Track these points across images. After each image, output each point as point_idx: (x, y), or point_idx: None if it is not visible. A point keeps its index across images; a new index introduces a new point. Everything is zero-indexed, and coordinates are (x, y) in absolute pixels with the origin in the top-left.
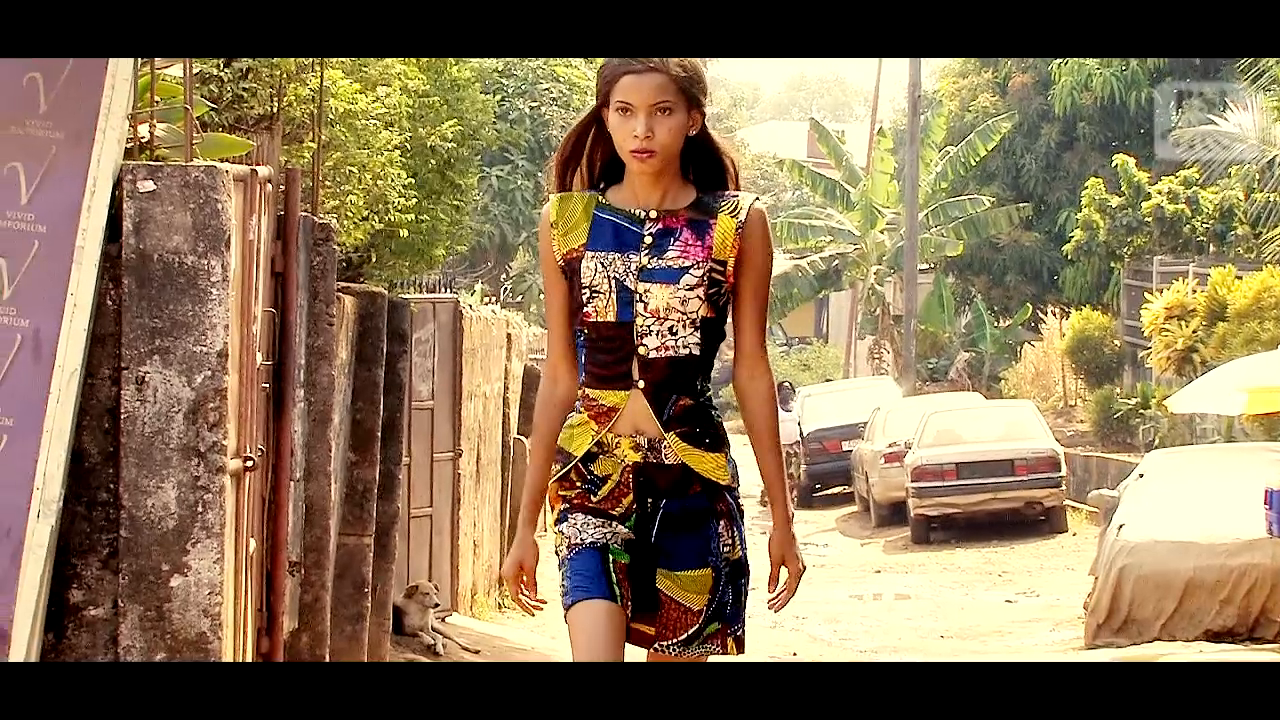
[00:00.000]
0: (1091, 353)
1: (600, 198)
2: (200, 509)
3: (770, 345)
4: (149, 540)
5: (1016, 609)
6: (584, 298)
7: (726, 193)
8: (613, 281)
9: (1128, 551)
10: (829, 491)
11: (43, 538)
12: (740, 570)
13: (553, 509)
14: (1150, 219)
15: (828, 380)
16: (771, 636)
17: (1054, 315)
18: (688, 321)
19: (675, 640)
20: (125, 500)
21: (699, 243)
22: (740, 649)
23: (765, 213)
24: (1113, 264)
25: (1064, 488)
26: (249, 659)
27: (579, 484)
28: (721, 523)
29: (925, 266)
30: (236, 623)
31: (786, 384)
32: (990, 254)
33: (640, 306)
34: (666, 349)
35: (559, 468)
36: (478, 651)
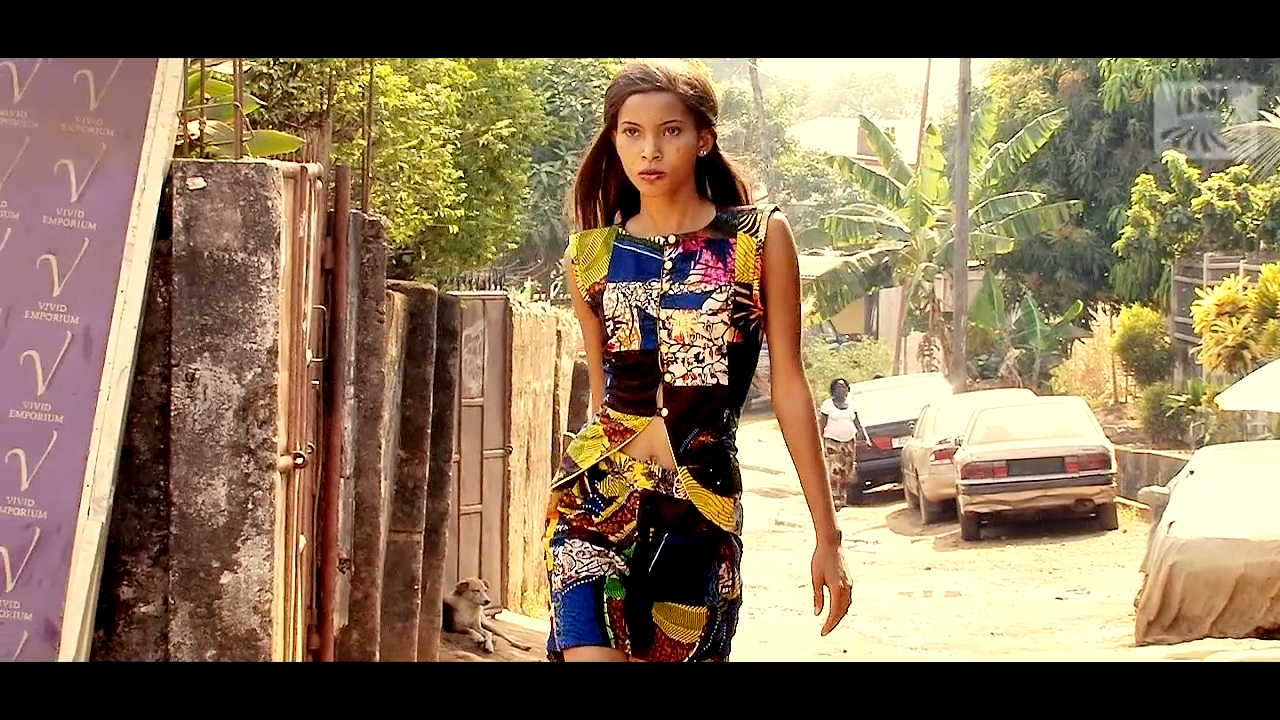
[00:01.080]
0: (1142, 349)
1: (620, 229)
2: (250, 506)
3: (820, 342)
4: (199, 537)
5: (1067, 606)
6: (609, 329)
7: (745, 208)
8: (635, 310)
9: (1178, 548)
10: (879, 488)
11: (93, 535)
12: (736, 605)
13: (548, 522)
14: (1201, 215)
15: (877, 377)
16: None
17: (1104, 312)
18: (714, 348)
19: None
20: (175, 497)
21: (720, 265)
22: None
23: (785, 223)
24: (1163, 260)
25: (1114, 485)
26: (299, 656)
27: (581, 502)
28: (723, 565)
29: (975, 263)
30: (287, 620)
31: (841, 381)
32: (1040, 251)
33: (664, 334)
34: (693, 377)
35: (562, 476)
36: (528, 649)
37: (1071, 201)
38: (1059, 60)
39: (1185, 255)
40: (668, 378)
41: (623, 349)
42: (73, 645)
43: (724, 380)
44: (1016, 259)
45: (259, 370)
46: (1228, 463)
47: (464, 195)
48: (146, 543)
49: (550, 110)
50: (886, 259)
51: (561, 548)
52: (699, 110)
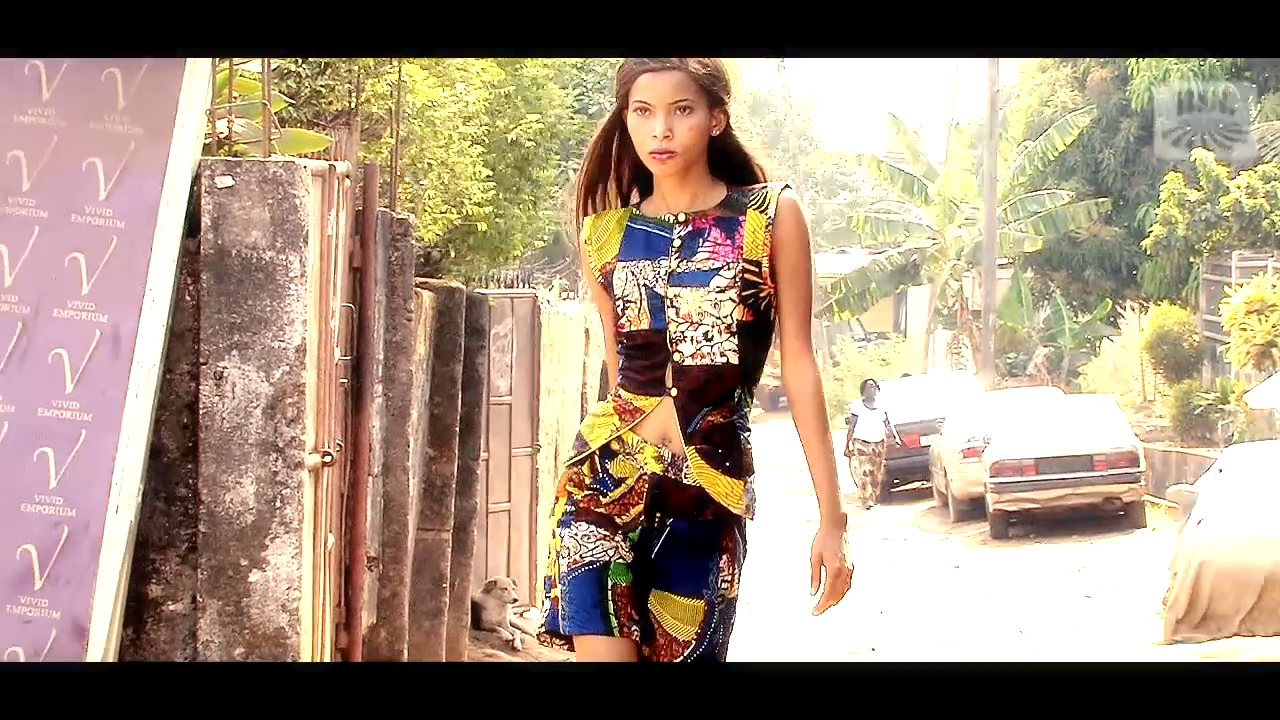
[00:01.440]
0: (1171, 348)
1: (634, 210)
2: (279, 504)
3: (848, 340)
4: (227, 535)
5: (1095, 604)
6: (619, 309)
7: (757, 186)
8: (643, 289)
9: (1207, 547)
10: (907, 486)
11: (121, 533)
12: (734, 605)
13: (556, 500)
14: (1229, 213)
15: (906, 375)
16: (850, 631)
17: (1133, 310)
18: (723, 326)
19: None
20: (204, 495)
21: (729, 242)
22: None
23: (797, 200)
24: (1192, 259)
25: (1143, 483)
26: (327, 654)
27: (590, 482)
28: (724, 557)
29: (1004, 261)
30: (315, 618)
31: (871, 381)
32: (1069, 249)
33: (672, 312)
34: (702, 356)
35: (574, 455)
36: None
37: (1100, 199)
38: (1087, 58)
39: (1214, 253)
40: (676, 357)
41: (632, 328)
42: (101, 644)
43: (734, 359)
44: (1045, 257)
45: (287, 368)
46: (1256, 461)
47: (492, 193)
48: (175, 541)
49: (578, 108)
50: (915, 257)
51: (568, 530)
52: (711, 89)
